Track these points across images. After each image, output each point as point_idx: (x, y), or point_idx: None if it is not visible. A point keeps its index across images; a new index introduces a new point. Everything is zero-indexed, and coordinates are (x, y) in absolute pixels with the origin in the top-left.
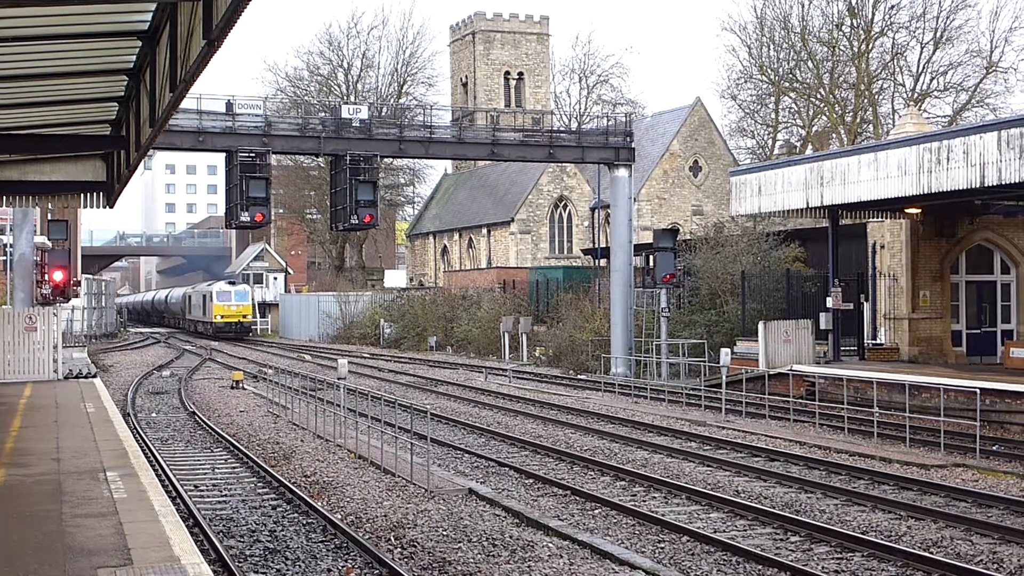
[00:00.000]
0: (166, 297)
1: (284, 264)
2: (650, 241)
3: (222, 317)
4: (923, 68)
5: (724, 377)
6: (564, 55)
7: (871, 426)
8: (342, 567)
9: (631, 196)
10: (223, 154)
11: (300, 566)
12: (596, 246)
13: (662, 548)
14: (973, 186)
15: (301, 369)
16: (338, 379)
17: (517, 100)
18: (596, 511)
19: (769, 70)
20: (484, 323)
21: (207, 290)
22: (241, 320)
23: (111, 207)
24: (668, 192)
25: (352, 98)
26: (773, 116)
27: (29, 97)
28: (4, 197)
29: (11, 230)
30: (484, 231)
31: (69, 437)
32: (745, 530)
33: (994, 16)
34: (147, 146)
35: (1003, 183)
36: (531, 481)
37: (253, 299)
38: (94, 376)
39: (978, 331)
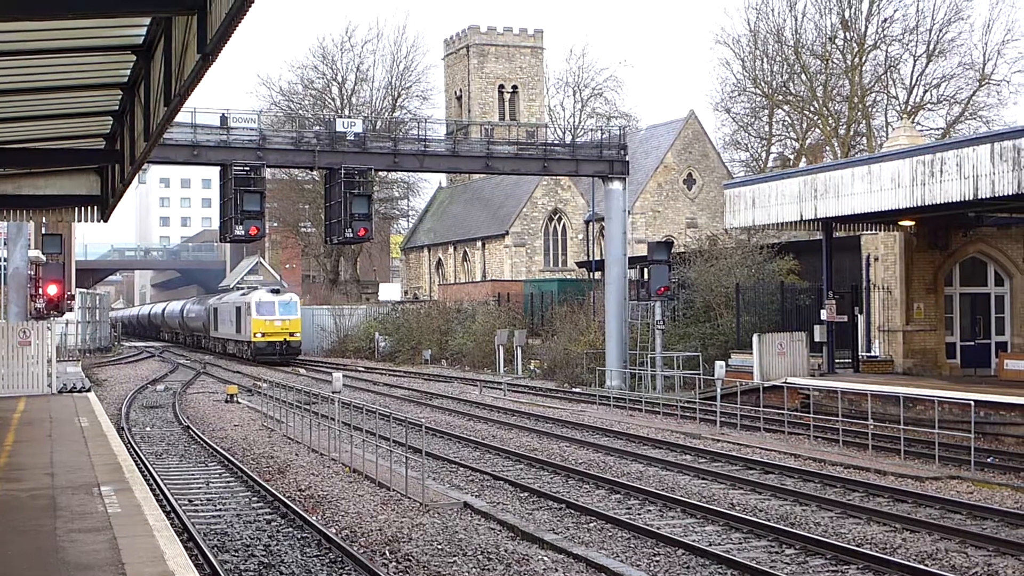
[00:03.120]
0: (181, 310)
1: (279, 277)
2: (644, 254)
3: (263, 335)
4: (916, 81)
5: (719, 390)
6: (558, 68)
7: (866, 438)
8: None
9: (625, 209)
10: (217, 168)
11: None
12: (591, 259)
13: (657, 561)
14: (966, 198)
15: (295, 383)
16: (333, 393)
17: (511, 113)
18: (591, 524)
19: (763, 83)
20: (479, 336)
21: (242, 301)
22: (288, 339)
23: (105, 221)
24: (662, 205)
25: (346, 112)
26: (767, 129)
27: (23, 111)
28: None
29: (5, 244)
30: (479, 244)
31: (63, 451)
32: (740, 543)
33: (987, 29)
34: (141, 160)
35: (996, 195)
36: (526, 495)
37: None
38: (88, 390)
39: (972, 343)
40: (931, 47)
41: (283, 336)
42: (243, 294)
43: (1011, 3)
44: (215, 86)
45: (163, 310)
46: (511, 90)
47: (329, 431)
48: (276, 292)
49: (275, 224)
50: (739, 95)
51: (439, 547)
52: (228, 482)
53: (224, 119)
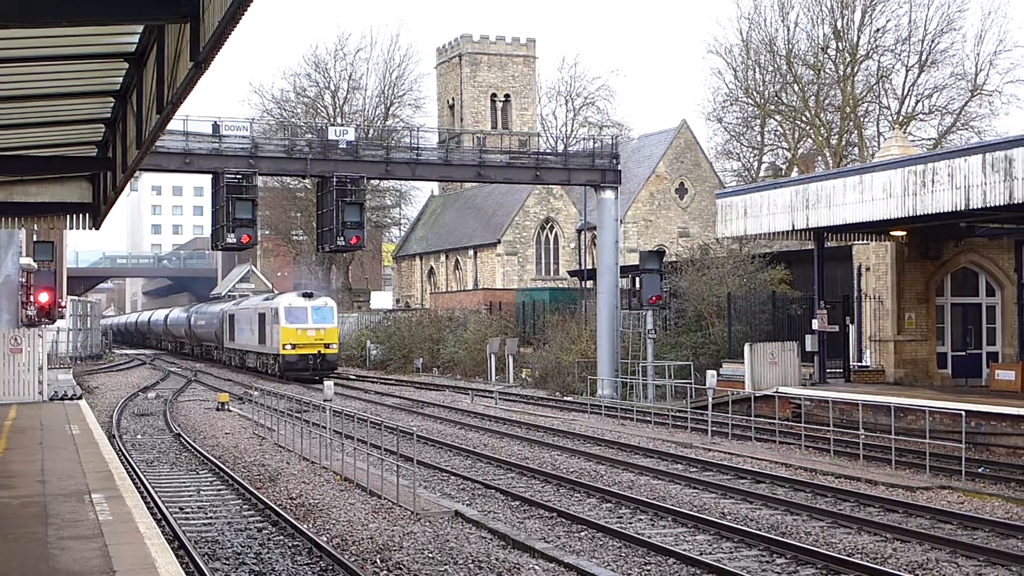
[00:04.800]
0: (188, 317)
1: (270, 286)
2: (636, 263)
3: (294, 347)
4: (908, 91)
5: (710, 399)
6: (550, 77)
7: (857, 448)
8: None
9: (617, 218)
10: (209, 175)
11: None
12: (582, 268)
13: (648, 570)
14: (958, 209)
15: (287, 391)
16: (324, 401)
17: (504, 122)
18: (582, 533)
19: (755, 93)
20: (470, 345)
21: (267, 306)
22: (323, 351)
23: (97, 228)
24: (654, 214)
25: (339, 120)
26: (759, 139)
27: (15, 118)
28: None
29: None
30: (470, 253)
31: (54, 459)
32: (731, 552)
33: (979, 40)
34: (133, 168)
35: (988, 206)
36: (517, 503)
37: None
38: (79, 398)
39: (963, 353)
40: (923, 57)
41: (317, 348)
42: (267, 298)
43: (1003, 14)
44: (207, 94)
45: (165, 317)
46: (503, 99)
47: (320, 439)
48: (309, 296)
49: (267, 232)
50: (731, 105)
51: (430, 555)
52: (219, 490)
53: (216, 127)
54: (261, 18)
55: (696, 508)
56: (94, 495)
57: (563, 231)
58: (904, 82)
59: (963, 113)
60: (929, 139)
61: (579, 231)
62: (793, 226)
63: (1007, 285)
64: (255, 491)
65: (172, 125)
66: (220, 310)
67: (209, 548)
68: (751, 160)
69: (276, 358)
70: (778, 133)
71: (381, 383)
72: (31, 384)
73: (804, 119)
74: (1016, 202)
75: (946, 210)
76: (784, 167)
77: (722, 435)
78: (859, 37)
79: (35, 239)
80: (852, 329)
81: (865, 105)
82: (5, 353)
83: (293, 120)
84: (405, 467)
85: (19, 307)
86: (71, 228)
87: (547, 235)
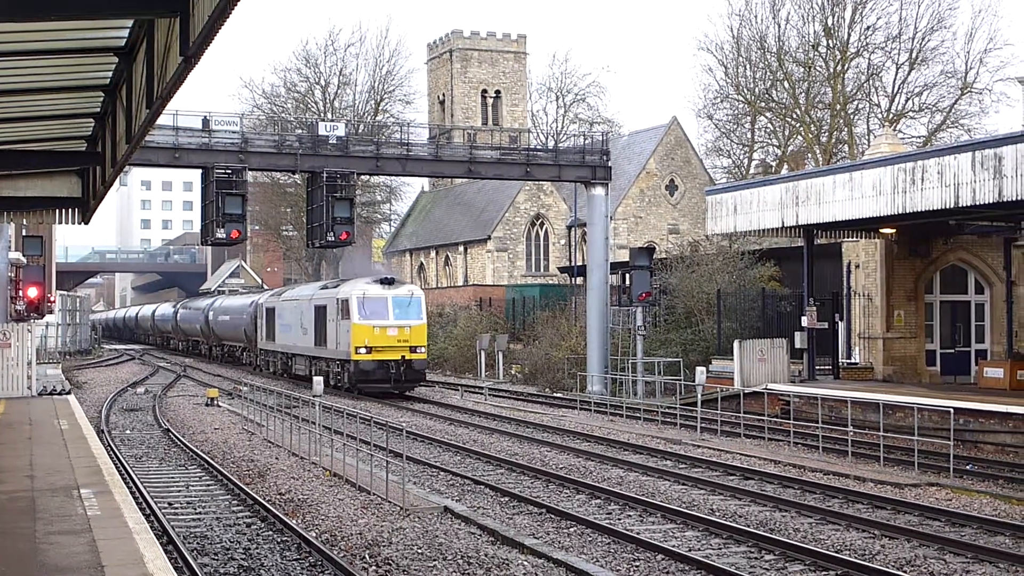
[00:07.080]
0: (205, 311)
1: (260, 281)
2: (626, 259)
3: (369, 350)
4: (898, 89)
5: (699, 395)
6: (541, 73)
7: (845, 445)
8: None
9: (607, 214)
10: (199, 170)
11: None
12: (573, 264)
13: (637, 566)
14: (947, 206)
15: (276, 386)
16: (313, 396)
17: (494, 118)
18: (571, 529)
19: (745, 90)
20: (460, 341)
21: (329, 297)
22: (407, 356)
23: (86, 223)
24: (644, 211)
25: (329, 115)
26: (749, 136)
27: (4, 113)
28: None
29: None
30: (461, 249)
31: (43, 454)
32: (720, 548)
33: (969, 38)
34: (123, 162)
35: (977, 203)
36: (506, 499)
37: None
38: (68, 393)
39: (952, 351)
40: (913, 55)
41: (401, 352)
42: (327, 286)
43: (993, 12)
44: (197, 88)
45: (174, 312)
46: (494, 95)
47: (310, 435)
48: (389, 283)
49: (257, 227)
50: (721, 102)
51: (419, 551)
52: (208, 485)
53: (206, 122)
54: (251, 13)
55: (685, 504)
56: (83, 490)
57: (553, 227)
58: (894, 80)
59: (953, 111)
60: (919, 137)
61: (569, 228)
62: (783, 223)
63: (996, 283)
64: (244, 486)
65: (161, 120)
66: (251, 302)
67: (198, 543)
68: (741, 157)
69: (344, 365)
70: (768, 130)
71: None
72: (20, 379)
73: (794, 116)
74: (1005, 200)
75: (935, 208)
76: (774, 164)
77: (711, 431)
78: (849, 34)
79: (24, 234)
80: (841, 326)
81: (855, 102)
82: None
83: (283, 115)
84: (394, 463)
85: (8, 302)
86: (60, 223)
87: (537, 231)
